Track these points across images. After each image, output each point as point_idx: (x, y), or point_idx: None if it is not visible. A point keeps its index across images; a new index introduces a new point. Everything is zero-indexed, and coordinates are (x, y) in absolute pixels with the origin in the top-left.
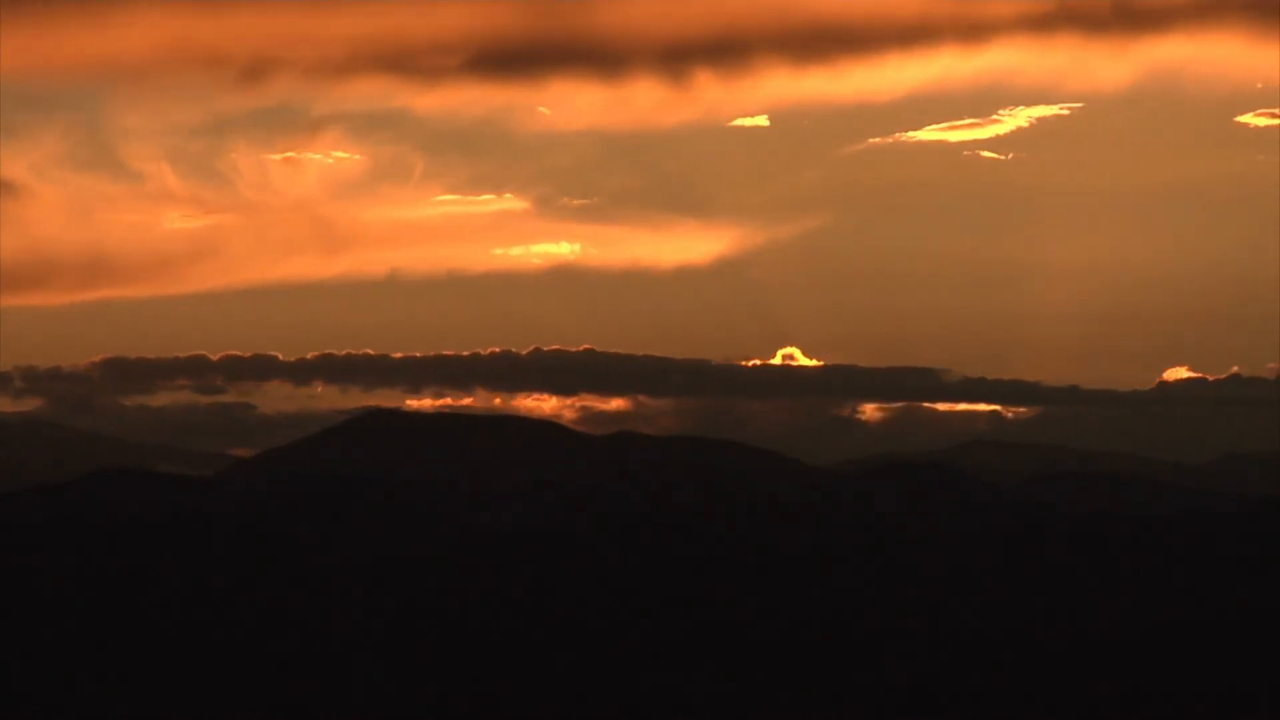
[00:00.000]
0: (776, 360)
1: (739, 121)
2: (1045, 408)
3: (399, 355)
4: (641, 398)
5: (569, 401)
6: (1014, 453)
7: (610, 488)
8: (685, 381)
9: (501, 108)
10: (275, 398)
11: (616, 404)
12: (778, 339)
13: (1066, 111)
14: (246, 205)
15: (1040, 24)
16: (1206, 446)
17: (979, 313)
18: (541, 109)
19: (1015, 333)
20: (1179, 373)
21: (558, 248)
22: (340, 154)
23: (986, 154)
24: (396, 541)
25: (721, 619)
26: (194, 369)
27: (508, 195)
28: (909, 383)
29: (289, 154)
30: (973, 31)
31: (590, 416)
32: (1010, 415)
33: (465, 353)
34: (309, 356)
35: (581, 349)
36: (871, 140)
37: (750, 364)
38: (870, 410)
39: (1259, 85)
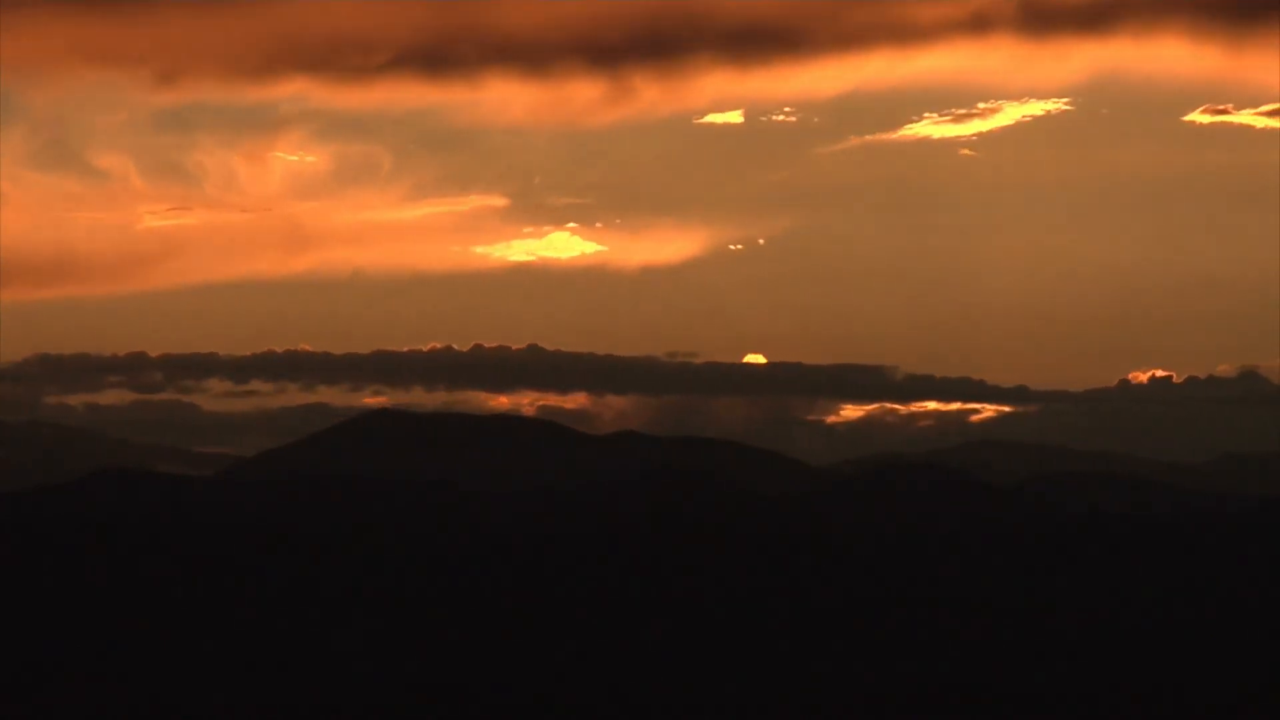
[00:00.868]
0: (747, 359)
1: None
2: (1042, 406)
3: (340, 353)
4: (599, 394)
5: (525, 400)
6: (1014, 452)
7: (610, 488)
8: (637, 380)
9: (466, 105)
10: (215, 395)
11: (575, 400)
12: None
13: (1033, 114)
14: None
15: (985, 25)
16: (1200, 447)
17: (927, 310)
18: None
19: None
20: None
21: (525, 245)
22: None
23: (962, 153)
24: (397, 541)
25: (721, 619)
26: (131, 367)
27: (473, 195)
28: (862, 380)
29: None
30: (911, 34)
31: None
32: (1009, 412)
33: (405, 349)
34: (248, 354)
35: (525, 346)
36: (822, 147)
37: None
38: (849, 410)
39: (1203, 83)
